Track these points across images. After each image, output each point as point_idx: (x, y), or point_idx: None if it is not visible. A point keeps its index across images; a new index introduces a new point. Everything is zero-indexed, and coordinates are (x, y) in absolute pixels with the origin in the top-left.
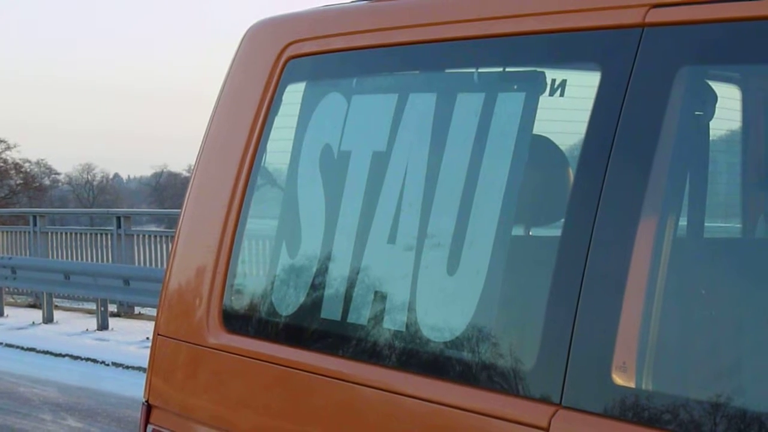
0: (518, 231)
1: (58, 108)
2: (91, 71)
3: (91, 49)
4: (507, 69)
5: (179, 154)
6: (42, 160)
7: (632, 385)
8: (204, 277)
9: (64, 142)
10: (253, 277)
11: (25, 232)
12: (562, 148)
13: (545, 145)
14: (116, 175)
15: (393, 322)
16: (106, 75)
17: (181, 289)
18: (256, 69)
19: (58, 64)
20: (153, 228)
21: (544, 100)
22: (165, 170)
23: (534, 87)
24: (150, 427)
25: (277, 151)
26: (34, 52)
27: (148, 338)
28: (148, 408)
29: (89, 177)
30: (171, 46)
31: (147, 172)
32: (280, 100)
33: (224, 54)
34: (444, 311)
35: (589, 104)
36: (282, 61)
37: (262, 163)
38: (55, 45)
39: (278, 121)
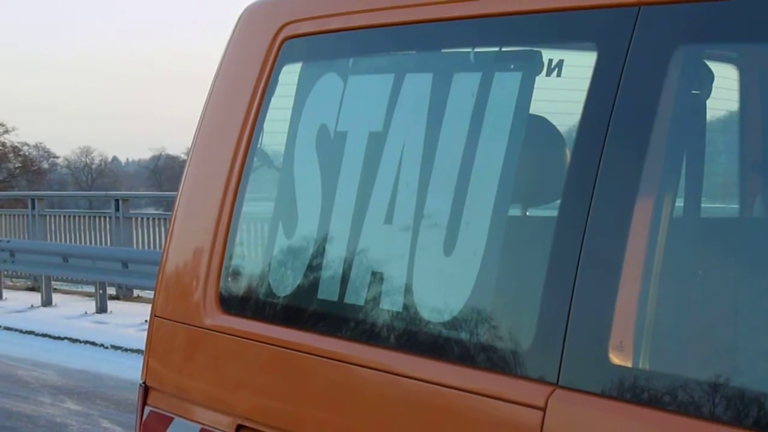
0: (515, 211)
1: (56, 90)
2: (91, 52)
3: (90, 30)
4: (503, 49)
5: (178, 136)
6: (41, 143)
7: (629, 364)
8: (201, 258)
9: (63, 125)
10: (250, 258)
11: (23, 215)
12: (559, 128)
13: (542, 125)
14: (115, 158)
15: (390, 303)
16: (106, 56)
17: (178, 270)
18: (252, 50)
19: (57, 45)
20: (151, 211)
21: (541, 80)
22: (163, 153)
23: (530, 67)
24: (147, 409)
25: (274, 132)
26: (32, 32)
27: (146, 321)
28: (146, 390)
29: (88, 160)
30: (170, 26)
31: (145, 155)
32: (276, 81)
33: (224, 35)
34: (441, 292)
35: (586, 84)
36: (278, 41)
37: (259, 145)
38: (53, 25)
39: (274, 102)
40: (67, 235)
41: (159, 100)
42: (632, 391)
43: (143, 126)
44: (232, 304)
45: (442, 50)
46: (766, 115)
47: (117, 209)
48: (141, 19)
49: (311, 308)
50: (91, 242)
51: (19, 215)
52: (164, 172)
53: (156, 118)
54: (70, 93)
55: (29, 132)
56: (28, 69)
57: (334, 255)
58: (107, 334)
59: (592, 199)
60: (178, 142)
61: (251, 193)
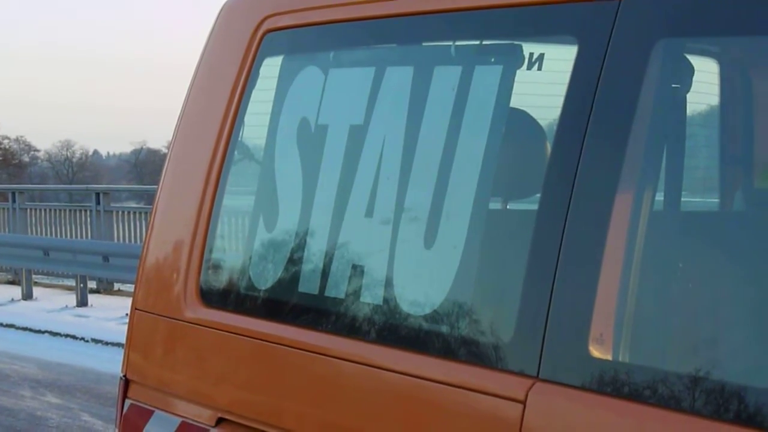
0: (495, 205)
1: (37, 83)
2: (71, 45)
3: (70, 23)
4: (484, 42)
5: (159, 129)
6: (21, 136)
7: (609, 357)
8: (181, 251)
9: (44, 118)
10: (231, 251)
11: (4, 208)
12: (540, 121)
13: (522, 118)
14: (95, 152)
15: (371, 296)
16: (86, 48)
17: (158, 263)
18: (233, 43)
19: (36, 38)
20: (132, 204)
21: (522, 73)
22: (144, 147)
23: (511, 60)
24: (128, 402)
25: (254, 126)
26: (11, 24)
27: (127, 314)
28: (126, 383)
29: (68, 154)
30: (151, 18)
31: (126, 148)
32: (257, 74)
33: (206, 27)
34: (422, 285)
35: (567, 78)
36: (259, 34)
37: (239, 138)
38: (32, 18)
39: (255, 95)
40: (48, 229)
41: (140, 94)
42: (612, 384)
43: (124, 119)
44: (212, 297)
45: (423, 43)
46: (747, 109)
47: (98, 203)
48: (121, 13)
49: (292, 301)
50: (71, 236)
51: None
52: (145, 166)
53: (137, 112)
54: (51, 86)
55: (10, 126)
56: (8, 62)
57: (315, 248)
58: (88, 328)
59: (572, 192)
60: (159, 135)
61: (232, 186)
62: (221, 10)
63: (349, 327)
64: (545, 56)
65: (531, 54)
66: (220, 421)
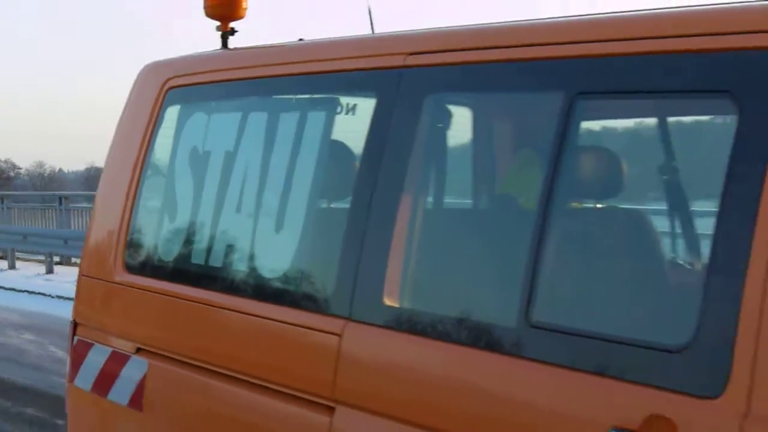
0: (323, 204)
1: (20, 115)
2: (42, 85)
3: (35, 60)
4: (314, 96)
5: (104, 153)
6: (8, 158)
7: (397, 305)
8: (112, 236)
9: (25, 144)
10: (146, 236)
11: None
12: (352, 148)
13: (340, 147)
14: (60, 170)
15: (241, 265)
16: (52, 87)
17: (97, 243)
18: (146, 96)
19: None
20: (84, 205)
21: (340, 117)
22: (93, 165)
23: (333, 108)
24: (76, 338)
25: (161, 152)
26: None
27: None
28: (75, 325)
29: (42, 171)
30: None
31: (81, 167)
32: (163, 117)
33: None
34: (274, 258)
35: (369, 120)
36: (164, 90)
37: (151, 160)
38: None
39: (161, 132)
40: (26, 221)
41: (91, 125)
42: (404, 324)
43: (81, 145)
44: (133, 266)
45: (273, 97)
46: (489, 141)
47: (60, 204)
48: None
49: (187, 269)
50: (42, 226)
51: None
52: (95, 179)
53: (89, 139)
54: (30, 119)
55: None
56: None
57: (202, 233)
58: (54, 288)
59: (372, 195)
60: (104, 157)
61: (146, 192)
62: (139, 73)
63: (227, 286)
64: (356, 106)
65: (347, 104)
66: (138, 350)
